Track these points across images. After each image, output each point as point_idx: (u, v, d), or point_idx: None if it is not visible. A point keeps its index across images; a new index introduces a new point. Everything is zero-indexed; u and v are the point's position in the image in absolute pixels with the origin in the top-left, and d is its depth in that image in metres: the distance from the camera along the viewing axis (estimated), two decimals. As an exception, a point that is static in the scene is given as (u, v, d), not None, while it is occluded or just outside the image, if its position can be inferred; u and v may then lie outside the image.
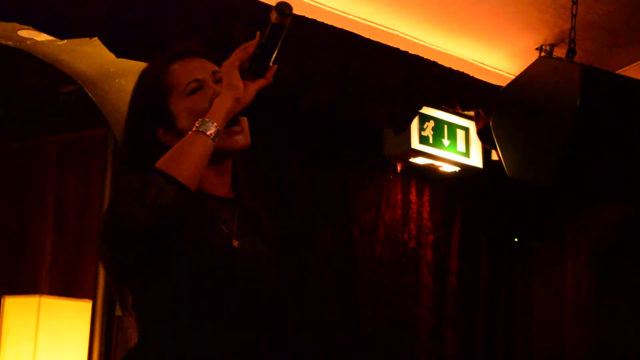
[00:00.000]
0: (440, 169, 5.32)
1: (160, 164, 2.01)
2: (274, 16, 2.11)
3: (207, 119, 2.06)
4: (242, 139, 2.21)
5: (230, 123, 2.16)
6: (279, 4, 2.11)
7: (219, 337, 2.10)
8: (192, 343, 2.08)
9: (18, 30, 3.80)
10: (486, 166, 5.42)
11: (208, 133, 2.05)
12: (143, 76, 2.30)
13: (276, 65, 2.16)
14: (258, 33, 2.13)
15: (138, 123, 2.24)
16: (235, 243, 2.19)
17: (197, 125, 2.05)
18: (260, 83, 2.15)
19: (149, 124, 2.22)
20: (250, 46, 2.13)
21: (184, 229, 2.04)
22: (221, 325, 2.10)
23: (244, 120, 2.23)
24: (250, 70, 2.13)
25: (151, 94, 2.23)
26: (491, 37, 4.85)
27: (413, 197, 5.29)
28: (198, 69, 2.23)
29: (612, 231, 5.89)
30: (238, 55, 2.13)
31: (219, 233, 2.16)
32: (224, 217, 2.19)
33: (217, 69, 2.23)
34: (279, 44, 2.13)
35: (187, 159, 2.01)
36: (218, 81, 2.20)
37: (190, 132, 2.05)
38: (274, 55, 2.15)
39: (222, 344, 2.10)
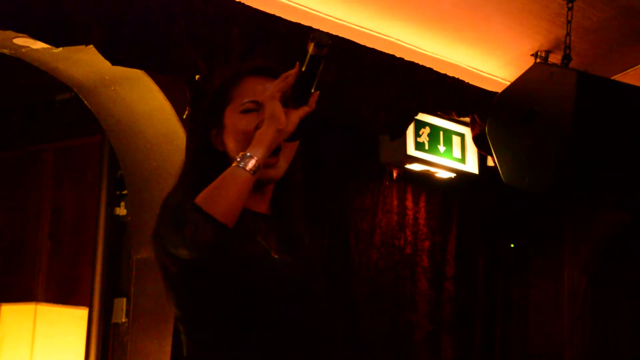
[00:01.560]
0: (436, 175, 5.32)
1: (199, 199, 2.00)
2: (311, 48, 2.09)
3: (248, 153, 2.04)
4: (272, 172, 2.19)
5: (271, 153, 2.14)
6: (315, 35, 2.09)
7: (265, 349, 2.10)
8: (239, 356, 2.08)
9: (14, 38, 3.80)
10: (482, 172, 5.42)
11: (248, 168, 2.03)
12: (219, 82, 2.30)
13: (318, 92, 2.14)
14: (297, 63, 2.11)
15: (200, 122, 2.28)
16: (275, 255, 2.18)
17: (238, 159, 2.04)
18: (303, 111, 2.12)
19: (207, 125, 2.24)
20: (291, 76, 2.11)
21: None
22: (267, 337, 2.10)
23: (286, 154, 2.21)
24: (292, 98, 2.11)
25: (216, 97, 2.26)
26: (487, 44, 4.85)
27: (409, 203, 5.30)
28: (262, 90, 2.19)
29: (608, 237, 5.89)
30: (279, 87, 2.10)
31: (258, 246, 2.15)
32: (262, 232, 2.18)
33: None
34: (319, 72, 2.11)
35: (226, 196, 2.01)
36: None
37: (230, 167, 2.04)
38: (315, 82, 2.12)
39: (268, 356, 2.10)
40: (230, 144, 2.18)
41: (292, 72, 2.11)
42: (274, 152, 2.14)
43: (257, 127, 2.13)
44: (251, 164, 2.03)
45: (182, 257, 2.02)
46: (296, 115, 2.10)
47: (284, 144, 2.18)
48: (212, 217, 1.97)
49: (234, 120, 2.20)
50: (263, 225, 2.19)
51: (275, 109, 2.08)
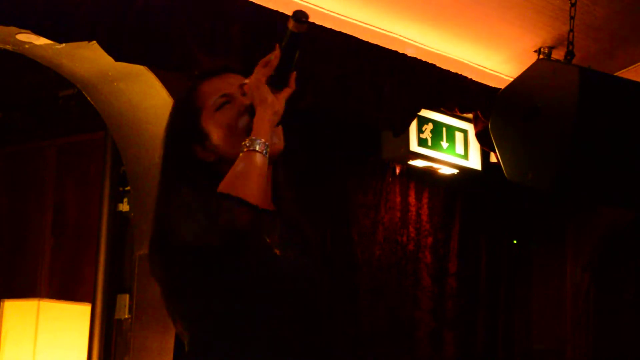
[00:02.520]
0: (439, 171, 5.32)
1: (224, 187, 2.04)
2: (291, 24, 2.13)
3: (254, 137, 2.10)
4: (275, 142, 2.22)
5: None
6: (295, 12, 2.14)
7: (267, 345, 2.10)
8: (241, 353, 2.08)
9: (17, 34, 3.80)
10: (485, 168, 5.42)
11: (259, 149, 2.09)
12: (177, 100, 2.34)
13: (295, 72, 2.18)
14: (277, 45, 2.15)
15: (176, 143, 2.26)
16: (277, 251, 2.18)
17: (247, 144, 2.09)
18: (287, 92, 2.18)
19: (187, 144, 2.24)
20: (274, 59, 2.15)
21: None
22: (269, 333, 2.10)
23: (279, 127, 2.24)
24: (273, 82, 2.15)
25: (184, 115, 2.26)
26: (490, 40, 4.85)
27: (412, 199, 5.29)
28: (226, 84, 2.25)
29: (611, 234, 5.89)
30: (262, 71, 2.15)
31: (261, 242, 2.16)
32: (265, 228, 2.18)
33: (245, 81, 2.24)
34: (298, 51, 2.15)
35: (250, 179, 2.06)
36: (246, 94, 2.22)
37: (242, 153, 2.09)
38: (295, 61, 2.17)
39: (271, 353, 2.10)
40: (221, 142, 2.20)
41: (274, 55, 2.15)
42: None
43: (238, 115, 2.19)
44: (260, 145, 2.09)
45: (205, 252, 2.03)
46: (282, 97, 2.17)
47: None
48: (244, 201, 2.02)
49: (214, 122, 2.22)
50: (267, 220, 2.19)
51: (264, 92, 2.13)
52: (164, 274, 2.16)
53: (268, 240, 2.17)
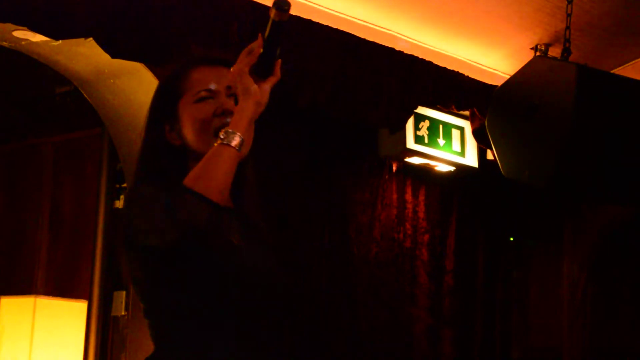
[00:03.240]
0: (436, 168, 5.32)
1: (189, 181, 2.02)
2: (273, 13, 2.12)
3: (230, 130, 2.06)
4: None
5: None
6: (277, 0, 2.12)
7: (232, 337, 2.11)
8: (206, 346, 2.09)
9: (13, 31, 3.80)
10: (482, 166, 5.42)
11: (233, 144, 2.05)
12: (166, 76, 2.32)
13: (280, 59, 2.16)
14: (259, 34, 2.14)
15: (152, 119, 2.27)
16: (236, 244, 2.19)
17: (222, 137, 2.06)
18: (271, 81, 2.15)
19: (160, 121, 2.24)
20: (257, 48, 2.13)
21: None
22: (232, 325, 2.11)
23: (250, 132, 2.21)
24: (258, 72, 2.13)
25: (165, 93, 2.26)
26: (486, 37, 4.85)
27: (409, 196, 5.30)
28: (215, 78, 2.24)
29: (608, 232, 5.89)
30: (245, 61, 2.12)
31: (222, 237, 2.15)
32: (225, 224, 2.18)
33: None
34: (281, 40, 2.15)
35: (216, 175, 2.03)
36: (231, 95, 2.21)
37: (215, 145, 2.06)
38: (278, 50, 2.16)
39: (235, 346, 2.11)
40: (190, 134, 2.20)
41: (256, 44, 2.13)
42: None
43: (214, 114, 2.18)
44: (236, 140, 2.06)
45: (164, 247, 2.01)
46: (267, 86, 2.13)
47: None
48: (205, 198, 1.99)
49: (189, 112, 2.20)
50: (226, 217, 2.18)
51: (248, 83, 2.10)
52: (129, 266, 2.15)
53: (229, 236, 2.17)
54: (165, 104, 2.24)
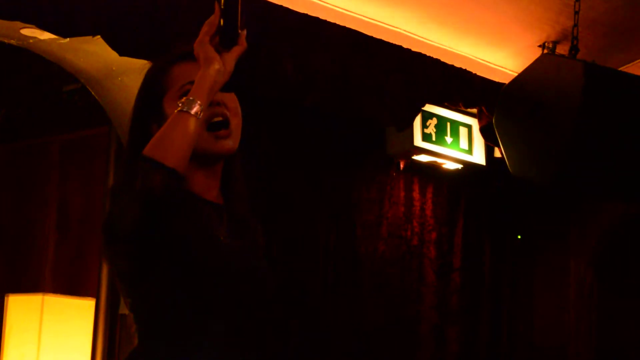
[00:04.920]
0: (443, 166, 5.32)
1: (146, 150, 2.01)
2: None
3: (190, 97, 2.05)
4: (227, 143, 2.20)
5: (219, 126, 2.18)
6: None
7: (214, 331, 2.11)
8: (191, 342, 2.09)
9: (21, 28, 3.80)
10: (489, 163, 5.42)
11: (192, 112, 2.04)
12: (146, 74, 2.31)
13: (245, 30, 2.15)
14: (216, 3, 2.14)
15: (137, 118, 2.26)
16: (224, 240, 2.19)
17: (181, 105, 2.05)
18: (236, 51, 2.14)
19: (146, 120, 2.23)
20: (214, 17, 2.13)
21: (172, 229, 2.05)
22: (215, 320, 2.11)
23: (236, 124, 2.23)
24: (222, 43, 2.13)
25: (149, 91, 2.25)
26: (494, 35, 4.85)
27: (416, 194, 5.29)
28: (197, 72, 2.19)
29: (614, 229, 5.89)
30: (204, 31, 2.12)
31: (208, 232, 2.16)
32: (212, 220, 2.19)
33: None
34: (240, 7, 2.14)
35: (172, 141, 2.02)
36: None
37: (174, 114, 2.05)
38: (239, 19, 2.15)
39: (221, 341, 2.12)
40: None
41: (215, 14, 2.13)
42: (223, 124, 2.18)
43: None
44: (195, 107, 2.04)
45: (130, 224, 2.00)
46: (231, 56, 2.12)
47: (232, 117, 2.20)
48: (159, 163, 1.98)
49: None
50: (213, 212, 2.19)
51: (207, 51, 2.10)
52: (109, 259, 2.15)
53: (215, 231, 2.17)
54: (149, 102, 2.23)
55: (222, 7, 2.13)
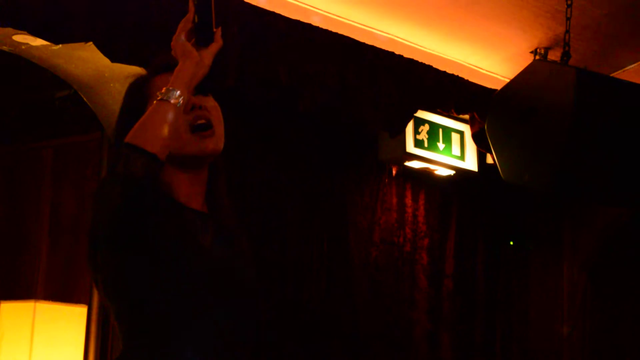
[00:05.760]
0: (436, 172, 5.32)
1: (128, 137, 2.05)
2: None
3: (170, 87, 2.09)
4: (211, 143, 2.23)
5: (202, 128, 2.21)
6: None
7: (199, 341, 2.11)
8: (177, 349, 2.09)
9: (13, 35, 3.79)
10: (481, 170, 5.42)
11: (172, 101, 2.08)
12: (129, 85, 2.35)
13: (220, 27, 2.21)
14: (190, 1, 2.18)
15: (120, 127, 2.27)
16: (210, 251, 2.20)
17: (160, 94, 2.09)
18: (213, 48, 2.19)
19: (129, 129, 2.21)
20: (189, 14, 2.18)
21: (157, 236, 2.06)
22: (200, 330, 2.11)
23: (219, 126, 2.25)
24: (198, 41, 2.18)
25: (131, 101, 2.28)
26: (486, 41, 4.86)
27: (408, 200, 5.29)
28: None
29: (607, 234, 5.89)
30: (180, 28, 2.18)
31: (193, 240, 2.17)
32: (197, 228, 2.20)
33: None
34: (213, 5, 2.19)
35: (152, 127, 2.05)
36: (198, 94, 2.24)
37: (154, 103, 2.09)
38: (214, 16, 2.19)
39: (209, 350, 2.12)
40: None
41: (190, 11, 2.18)
42: (206, 125, 2.21)
43: (184, 112, 2.18)
44: (174, 96, 2.08)
45: (114, 216, 2.01)
46: (208, 52, 2.18)
47: (215, 123, 2.23)
48: (140, 148, 2.01)
49: None
50: (199, 220, 2.21)
51: (184, 46, 2.16)
52: (98, 268, 2.15)
53: (201, 240, 2.18)
54: (132, 112, 2.24)
55: (196, 4, 2.17)
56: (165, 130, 2.06)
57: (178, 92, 2.09)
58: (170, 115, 2.07)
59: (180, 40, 2.16)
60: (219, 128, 2.25)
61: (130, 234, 2.04)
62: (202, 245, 2.17)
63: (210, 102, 2.26)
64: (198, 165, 2.25)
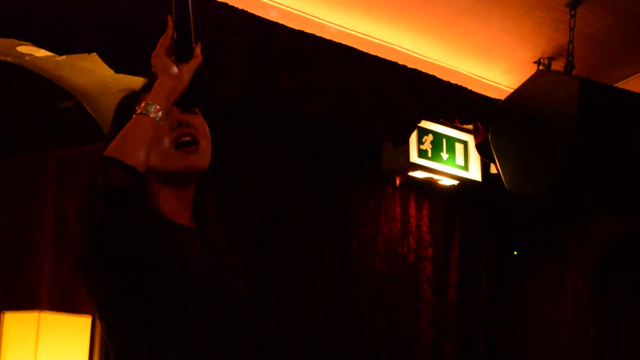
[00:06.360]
0: (439, 182, 5.32)
1: (107, 151, 2.06)
2: None
3: (149, 102, 2.11)
4: (195, 159, 2.25)
5: (187, 144, 2.23)
6: None
7: (192, 353, 2.12)
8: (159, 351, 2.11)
9: (17, 46, 3.81)
10: (485, 179, 5.42)
11: (151, 115, 2.09)
12: (119, 102, 2.38)
13: (200, 43, 2.23)
14: (169, 17, 2.20)
15: (110, 141, 2.27)
16: (197, 265, 2.20)
17: (139, 108, 2.11)
18: (192, 64, 2.20)
19: None
20: (168, 30, 2.20)
21: (144, 252, 2.07)
22: (188, 342, 2.12)
23: (204, 143, 2.27)
24: (178, 57, 2.19)
25: (121, 118, 2.28)
26: (489, 51, 4.86)
27: (412, 210, 5.29)
28: None
29: (611, 244, 5.89)
30: (159, 44, 2.19)
31: (180, 255, 2.17)
32: (184, 243, 2.21)
33: None
34: (192, 19, 2.20)
35: (131, 141, 2.06)
36: (185, 112, 2.26)
37: (134, 117, 2.10)
38: (193, 33, 2.21)
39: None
40: (152, 154, 2.19)
41: (170, 28, 2.20)
42: (192, 142, 2.23)
43: (171, 128, 2.23)
44: (153, 110, 2.10)
45: (96, 227, 2.02)
46: (187, 68, 2.19)
47: (201, 138, 2.25)
48: (119, 161, 2.02)
49: None
50: (185, 235, 2.22)
51: (163, 61, 2.17)
52: (92, 285, 2.18)
53: (189, 255, 2.19)
54: (121, 127, 2.23)
55: (175, 19, 2.19)
56: (144, 143, 2.07)
57: (157, 107, 2.10)
58: (148, 129, 2.08)
59: (160, 55, 2.17)
60: (205, 144, 2.26)
61: (116, 245, 2.05)
62: (189, 259, 2.18)
63: (197, 119, 2.28)
64: (184, 181, 2.26)
